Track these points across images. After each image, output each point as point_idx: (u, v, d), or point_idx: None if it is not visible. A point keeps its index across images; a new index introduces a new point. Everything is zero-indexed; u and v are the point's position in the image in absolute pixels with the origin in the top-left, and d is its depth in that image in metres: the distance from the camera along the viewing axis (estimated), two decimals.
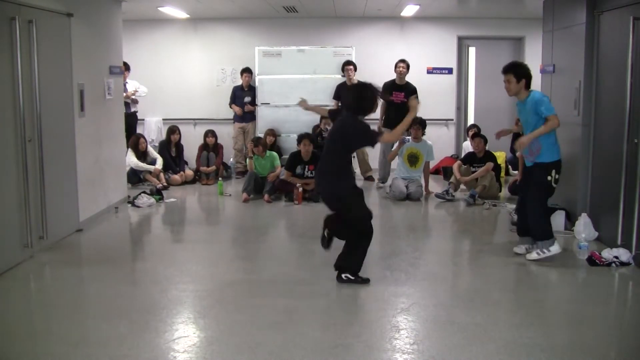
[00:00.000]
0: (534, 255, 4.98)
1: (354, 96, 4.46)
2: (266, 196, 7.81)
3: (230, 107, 9.69)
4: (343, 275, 4.53)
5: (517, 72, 4.98)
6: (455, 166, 8.14)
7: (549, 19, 6.90)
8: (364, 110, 4.45)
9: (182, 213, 7.54)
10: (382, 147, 8.84)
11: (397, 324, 3.83)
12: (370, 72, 8.88)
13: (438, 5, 8.90)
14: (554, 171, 4.94)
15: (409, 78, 8.68)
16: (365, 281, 4.55)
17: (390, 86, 8.59)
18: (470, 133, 9.16)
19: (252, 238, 6.23)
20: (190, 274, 4.91)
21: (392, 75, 8.76)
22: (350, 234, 4.55)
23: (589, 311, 4.14)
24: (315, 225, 5.50)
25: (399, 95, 8.51)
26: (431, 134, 9.04)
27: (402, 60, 8.65)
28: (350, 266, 4.53)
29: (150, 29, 10.27)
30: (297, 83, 9.58)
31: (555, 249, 4.98)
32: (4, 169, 4.90)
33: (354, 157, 9.38)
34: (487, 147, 8.26)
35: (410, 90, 8.53)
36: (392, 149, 8.35)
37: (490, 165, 7.90)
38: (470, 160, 8.19)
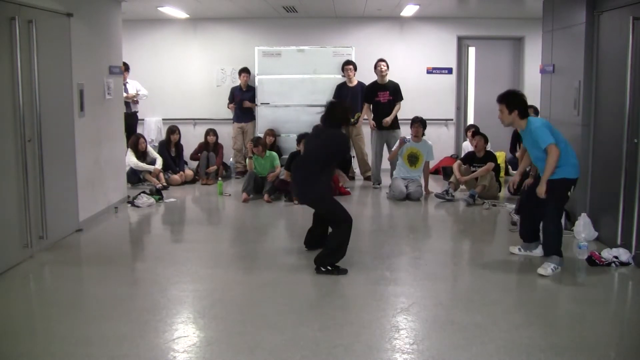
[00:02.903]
0: (549, 271, 4.78)
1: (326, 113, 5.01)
2: (266, 196, 7.82)
3: (228, 107, 9.72)
4: (322, 267, 4.79)
5: (509, 102, 4.93)
6: (455, 166, 8.13)
7: (549, 19, 6.90)
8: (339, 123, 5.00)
9: (182, 213, 7.54)
10: (374, 148, 8.84)
11: (397, 324, 3.84)
12: (370, 72, 8.88)
13: (438, 5, 8.90)
14: (573, 187, 4.90)
15: (409, 78, 8.70)
16: (343, 271, 4.78)
17: (374, 88, 8.68)
18: (470, 133, 9.16)
19: (252, 238, 6.23)
20: (190, 274, 4.91)
21: (392, 75, 8.78)
22: (333, 233, 4.87)
23: (589, 311, 4.14)
24: None
25: (384, 94, 8.61)
26: (431, 134, 9.04)
27: (382, 60, 8.72)
28: (329, 262, 4.80)
29: (150, 29, 10.26)
30: (297, 83, 9.58)
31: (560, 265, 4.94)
32: (4, 169, 4.90)
33: (353, 157, 9.40)
34: (488, 147, 8.25)
35: (394, 88, 8.59)
36: (393, 149, 8.36)
37: (491, 165, 7.89)
38: (471, 159, 8.18)
